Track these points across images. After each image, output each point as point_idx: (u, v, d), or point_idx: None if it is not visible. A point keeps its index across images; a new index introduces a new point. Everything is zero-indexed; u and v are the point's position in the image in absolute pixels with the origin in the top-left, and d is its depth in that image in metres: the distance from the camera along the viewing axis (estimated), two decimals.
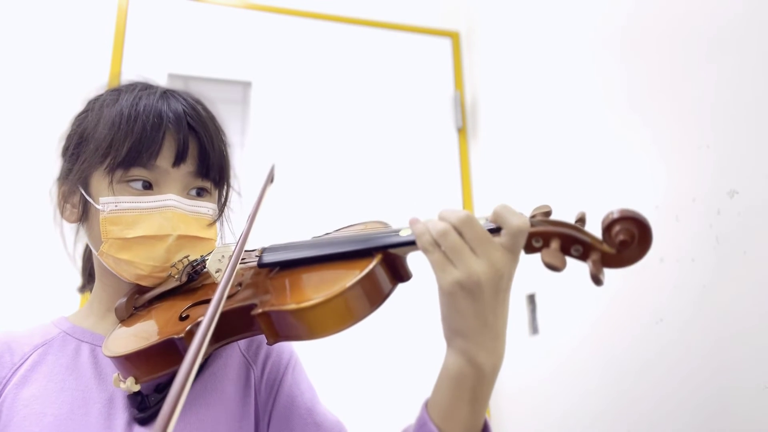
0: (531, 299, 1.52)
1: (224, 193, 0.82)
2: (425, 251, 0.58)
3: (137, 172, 0.73)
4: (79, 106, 0.81)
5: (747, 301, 0.85)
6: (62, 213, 0.79)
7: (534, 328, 1.50)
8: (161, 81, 1.68)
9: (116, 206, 0.72)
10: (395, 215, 0.82)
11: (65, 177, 0.78)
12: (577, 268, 1.31)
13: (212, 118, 0.79)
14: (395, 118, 1.92)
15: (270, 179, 0.76)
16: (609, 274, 1.28)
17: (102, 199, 0.72)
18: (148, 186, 0.73)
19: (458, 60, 2.02)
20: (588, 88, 1.30)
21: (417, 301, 1.65)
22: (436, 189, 1.88)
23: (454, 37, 2.04)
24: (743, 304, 0.85)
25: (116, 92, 0.77)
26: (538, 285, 1.48)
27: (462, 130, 1.95)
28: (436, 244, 0.57)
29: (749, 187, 0.86)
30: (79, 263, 0.88)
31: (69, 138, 0.79)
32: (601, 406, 1.18)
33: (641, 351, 1.07)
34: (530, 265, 1.51)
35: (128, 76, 0.84)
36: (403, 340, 1.69)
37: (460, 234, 0.57)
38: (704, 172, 0.95)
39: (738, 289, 0.86)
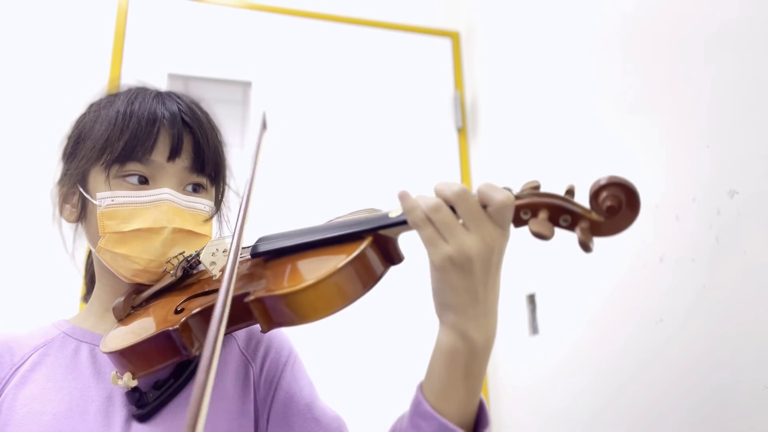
0: (531, 299, 1.52)
1: (220, 191, 0.84)
2: (416, 227, 0.57)
3: (133, 167, 0.74)
4: (79, 108, 0.83)
5: (746, 301, 0.85)
6: (61, 213, 0.81)
7: (534, 328, 1.50)
8: (161, 81, 1.70)
9: (113, 201, 0.73)
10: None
11: (64, 177, 0.80)
12: (578, 269, 1.32)
13: (208, 117, 0.81)
14: (395, 118, 1.92)
15: (263, 126, 0.76)
16: (609, 274, 1.27)
17: (99, 195, 0.74)
18: (144, 181, 0.75)
19: (458, 60, 2.02)
20: (588, 88, 1.30)
21: (413, 296, 1.65)
22: None
23: (454, 37, 2.04)
24: (743, 304, 0.85)
25: (113, 96, 0.79)
26: (538, 285, 1.48)
27: (462, 130, 1.95)
28: (428, 219, 0.57)
29: (749, 187, 0.86)
30: (82, 269, 0.89)
31: (68, 140, 0.81)
32: (601, 405, 1.18)
33: (641, 351, 1.07)
34: (530, 265, 1.52)
35: (128, 76, 0.86)
36: (400, 337, 1.69)
37: (453, 208, 0.56)
38: (704, 172, 0.95)
39: (738, 289, 0.86)
